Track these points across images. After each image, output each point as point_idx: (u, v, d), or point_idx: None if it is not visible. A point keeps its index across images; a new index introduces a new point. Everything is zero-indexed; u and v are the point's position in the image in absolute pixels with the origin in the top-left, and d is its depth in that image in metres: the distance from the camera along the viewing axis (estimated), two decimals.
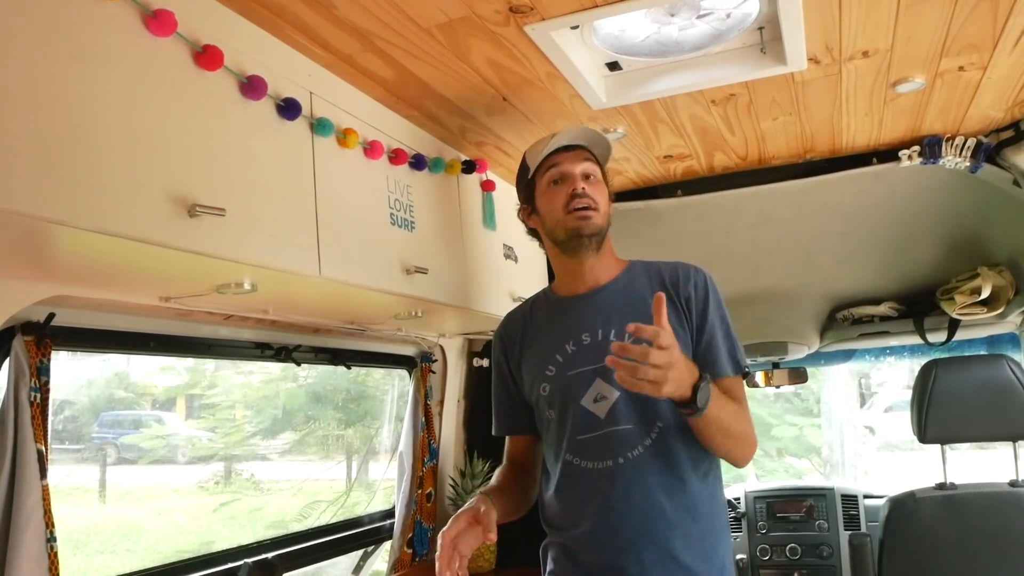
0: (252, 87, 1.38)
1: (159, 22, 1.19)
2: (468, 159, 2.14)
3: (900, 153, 2.31)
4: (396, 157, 1.82)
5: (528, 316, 1.71)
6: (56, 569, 1.37)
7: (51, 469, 1.39)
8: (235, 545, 2.00)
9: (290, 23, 1.45)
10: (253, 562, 1.95)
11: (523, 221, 1.73)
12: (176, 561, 1.84)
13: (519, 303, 1.83)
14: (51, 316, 1.40)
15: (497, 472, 1.74)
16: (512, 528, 2.56)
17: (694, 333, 1.56)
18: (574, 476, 1.55)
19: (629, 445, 1.50)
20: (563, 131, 1.64)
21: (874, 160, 2.37)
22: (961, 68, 1.82)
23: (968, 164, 2.28)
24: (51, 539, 1.36)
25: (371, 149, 1.72)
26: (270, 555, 2.02)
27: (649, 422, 1.51)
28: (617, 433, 1.51)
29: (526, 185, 1.67)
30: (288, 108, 1.47)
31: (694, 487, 1.52)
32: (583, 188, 1.57)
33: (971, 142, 2.25)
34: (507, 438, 1.77)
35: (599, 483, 1.51)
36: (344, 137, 1.63)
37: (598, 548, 1.51)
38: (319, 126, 1.55)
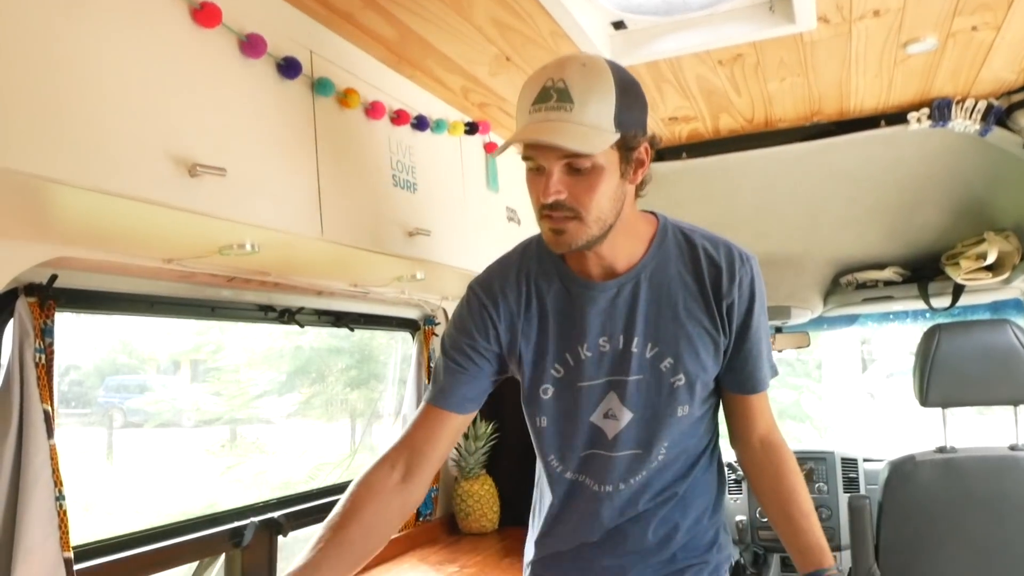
0: (251, 45, 1.36)
1: None
2: (471, 120, 2.12)
3: (909, 116, 2.28)
4: (398, 118, 1.80)
5: (532, 282, 1.36)
6: (66, 527, 1.38)
7: (58, 432, 1.40)
8: (242, 505, 2.02)
9: None
10: (259, 521, 1.98)
11: None
12: (184, 520, 1.86)
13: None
14: (54, 277, 1.40)
15: (355, 489, 1.29)
16: (514, 489, 2.59)
17: (732, 338, 1.32)
18: (572, 494, 1.40)
19: (634, 471, 1.35)
20: (552, 86, 1.15)
21: (882, 123, 2.35)
22: (974, 28, 1.79)
23: (978, 127, 2.25)
24: (60, 498, 1.38)
25: (372, 109, 1.70)
26: (276, 514, 2.04)
27: (656, 444, 1.34)
28: (624, 458, 1.34)
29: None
30: (288, 67, 1.45)
31: (697, 482, 1.41)
32: (554, 199, 1.17)
33: (981, 105, 2.23)
34: (425, 411, 1.36)
35: (597, 507, 1.37)
36: (345, 97, 1.61)
37: (595, 558, 1.40)
38: (320, 86, 1.54)
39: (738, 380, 1.36)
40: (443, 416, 1.35)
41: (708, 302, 1.30)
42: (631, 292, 1.30)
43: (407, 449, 1.33)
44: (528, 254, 1.39)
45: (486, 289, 1.37)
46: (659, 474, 1.37)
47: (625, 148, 1.20)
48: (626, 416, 1.31)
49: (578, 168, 1.17)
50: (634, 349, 1.30)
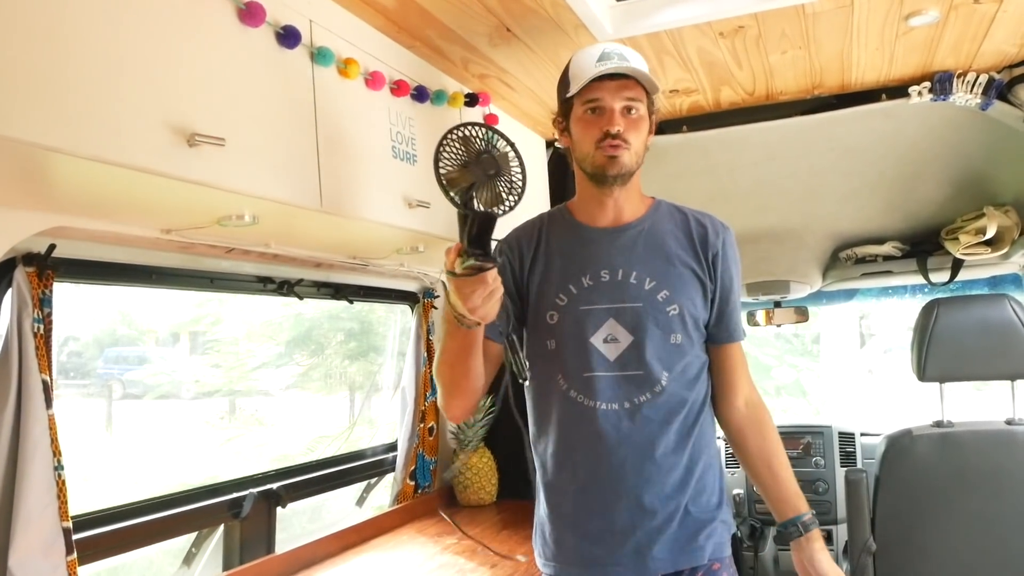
0: (250, 13, 1.34)
1: None
2: (471, 92, 2.11)
3: (910, 89, 2.27)
4: (398, 88, 1.79)
5: (544, 231, 1.60)
6: (64, 496, 1.39)
7: (57, 402, 1.40)
8: (241, 476, 2.03)
9: None
10: (258, 492, 1.99)
11: (556, 134, 1.62)
12: (184, 490, 1.87)
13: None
14: (52, 247, 1.40)
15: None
16: (513, 462, 2.61)
17: (716, 289, 1.54)
18: (576, 414, 1.51)
19: (637, 391, 1.49)
20: (613, 50, 1.48)
21: (883, 96, 2.34)
22: (976, 0, 1.77)
23: (979, 101, 2.24)
24: (59, 468, 1.38)
25: (372, 80, 1.69)
26: (275, 485, 2.06)
27: (658, 371, 1.49)
28: (625, 378, 1.49)
29: (564, 101, 1.54)
30: (287, 36, 1.43)
31: (695, 431, 1.52)
32: (618, 129, 1.45)
33: (983, 78, 2.22)
34: None
35: (601, 424, 1.48)
36: (345, 67, 1.60)
37: (594, 491, 1.49)
38: (319, 55, 1.52)
39: (724, 328, 1.56)
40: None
41: (696, 252, 1.54)
42: (631, 237, 1.54)
43: None
44: (545, 215, 1.66)
45: (508, 242, 1.63)
46: (661, 406, 1.49)
47: (651, 108, 1.52)
48: (626, 338, 1.50)
49: (631, 109, 1.47)
50: (632, 280, 1.51)
